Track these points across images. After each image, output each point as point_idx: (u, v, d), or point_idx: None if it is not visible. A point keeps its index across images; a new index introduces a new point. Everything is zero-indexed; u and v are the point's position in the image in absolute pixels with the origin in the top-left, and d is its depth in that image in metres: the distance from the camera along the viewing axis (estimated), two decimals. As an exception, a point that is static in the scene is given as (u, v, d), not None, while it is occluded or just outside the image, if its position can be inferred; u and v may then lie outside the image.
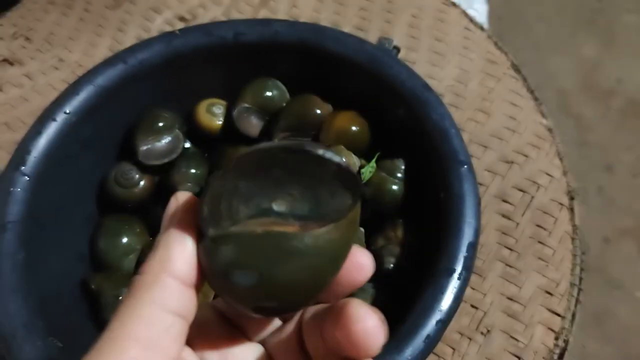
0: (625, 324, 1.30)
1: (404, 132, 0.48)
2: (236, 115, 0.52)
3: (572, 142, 1.53)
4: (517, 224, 0.53)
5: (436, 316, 0.37)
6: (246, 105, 0.52)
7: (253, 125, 0.52)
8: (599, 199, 1.44)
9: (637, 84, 1.61)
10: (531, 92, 0.61)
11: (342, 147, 0.47)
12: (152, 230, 0.53)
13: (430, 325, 0.37)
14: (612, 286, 1.34)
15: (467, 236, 0.40)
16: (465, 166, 0.43)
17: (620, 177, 1.47)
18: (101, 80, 0.49)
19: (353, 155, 0.48)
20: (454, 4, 0.68)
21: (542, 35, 1.71)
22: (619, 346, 1.28)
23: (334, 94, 0.52)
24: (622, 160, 1.50)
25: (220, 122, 0.54)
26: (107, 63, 0.50)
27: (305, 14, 0.68)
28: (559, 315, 0.49)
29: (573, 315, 0.49)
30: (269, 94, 0.52)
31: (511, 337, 0.48)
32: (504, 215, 0.54)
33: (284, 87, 0.53)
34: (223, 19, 0.69)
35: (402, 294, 0.44)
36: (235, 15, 0.69)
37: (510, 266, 0.51)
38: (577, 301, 0.50)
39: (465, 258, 0.39)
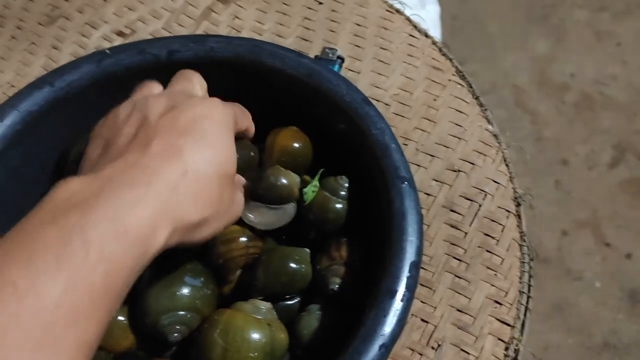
0: (586, 314, 1.33)
1: (346, 148, 0.47)
2: None
3: (528, 138, 1.55)
4: (466, 233, 0.53)
5: (379, 341, 0.36)
6: None
7: None
8: (556, 193, 1.47)
9: (589, 78, 1.65)
10: (476, 97, 0.61)
11: (279, 167, 0.46)
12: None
13: (374, 351, 0.36)
14: (572, 277, 1.37)
15: (409, 255, 0.39)
16: (406, 182, 0.42)
17: (575, 170, 1.50)
18: (26, 105, 0.47)
19: (292, 174, 0.46)
20: (398, 11, 0.67)
21: (496, 32, 1.74)
22: (581, 336, 1.30)
23: (274, 109, 0.50)
24: (577, 154, 1.53)
25: (159, 143, 0.52)
26: (33, 86, 0.47)
27: (248, 25, 0.67)
28: (508, 324, 0.49)
29: (522, 324, 0.49)
30: None
31: (462, 350, 0.48)
32: (452, 225, 0.53)
33: None
34: (163, 32, 0.67)
35: (349, 315, 0.43)
36: (176, 29, 0.67)
37: (459, 277, 0.51)
38: (527, 309, 0.50)
39: (408, 278, 0.38)
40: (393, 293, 0.38)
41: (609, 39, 1.70)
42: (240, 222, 0.45)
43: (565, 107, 1.60)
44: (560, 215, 1.43)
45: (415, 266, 0.39)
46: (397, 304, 0.37)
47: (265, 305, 0.43)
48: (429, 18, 1.13)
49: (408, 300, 0.38)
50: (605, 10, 1.75)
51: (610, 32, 1.71)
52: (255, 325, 0.41)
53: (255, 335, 0.40)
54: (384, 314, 0.37)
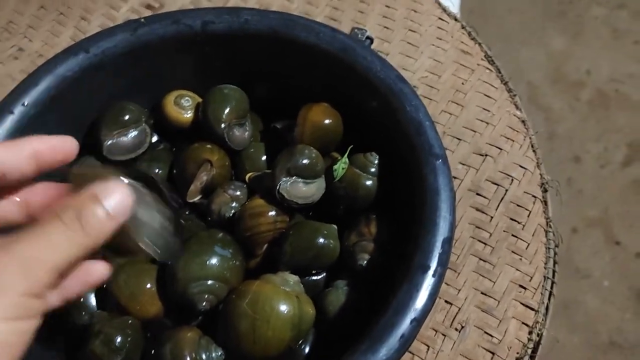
0: (593, 312, 1.32)
1: (377, 125, 0.47)
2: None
3: (541, 134, 1.54)
4: (491, 217, 0.53)
5: (411, 315, 0.36)
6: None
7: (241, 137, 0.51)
8: (567, 190, 1.46)
9: (605, 75, 1.63)
10: (505, 83, 0.61)
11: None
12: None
13: (405, 324, 0.36)
14: (580, 276, 1.36)
15: (442, 231, 0.39)
16: (440, 159, 0.42)
17: (587, 168, 1.50)
18: (62, 70, 0.47)
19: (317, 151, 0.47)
20: (427, -6, 0.67)
21: (513, 27, 1.72)
22: (587, 334, 1.30)
23: (306, 85, 0.50)
24: (590, 151, 1.52)
25: (190, 115, 0.52)
26: (68, 52, 0.47)
27: (276, 2, 0.67)
28: (532, 309, 0.49)
29: (547, 309, 0.49)
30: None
31: (485, 332, 0.48)
32: (477, 209, 0.53)
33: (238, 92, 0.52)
34: (191, 7, 0.67)
35: (376, 291, 0.43)
36: (205, 4, 0.67)
37: (484, 260, 0.51)
38: (551, 294, 0.50)
39: (441, 254, 0.38)
40: (425, 268, 0.38)
41: (627, 37, 1.69)
42: (273, 197, 0.45)
43: (579, 105, 1.59)
44: (570, 212, 1.42)
45: (448, 242, 0.39)
46: (429, 279, 0.38)
47: (293, 278, 0.43)
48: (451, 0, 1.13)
49: (440, 275, 0.38)
50: (624, 8, 1.73)
51: (628, 30, 1.69)
52: (284, 297, 0.41)
53: (284, 307, 0.40)
54: (416, 288, 0.37)
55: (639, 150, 1.50)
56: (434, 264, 0.38)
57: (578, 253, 1.38)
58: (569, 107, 1.59)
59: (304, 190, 0.46)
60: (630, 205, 1.43)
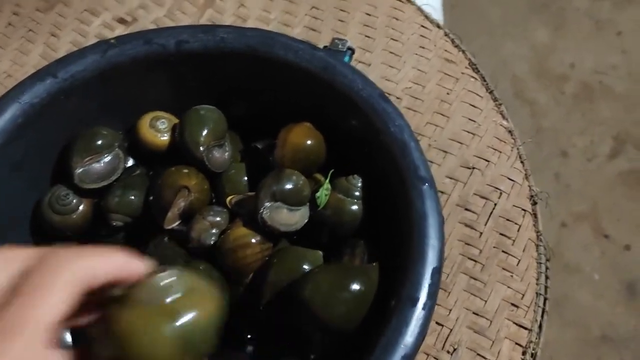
0: (584, 307, 1.32)
1: (360, 145, 0.46)
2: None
3: (528, 129, 1.54)
4: (481, 233, 0.51)
5: (400, 352, 0.35)
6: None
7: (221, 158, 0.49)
8: (555, 185, 1.46)
9: (588, 68, 1.63)
10: (490, 91, 0.59)
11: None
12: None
13: (395, 362, 0.34)
14: (570, 270, 1.36)
15: (431, 261, 0.37)
16: (427, 183, 0.40)
17: (575, 162, 1.49)
18: (28, 97, 0.44)
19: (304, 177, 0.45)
20: (409, 1, 0.65)
21: (496, 21, 1.71)
22: (579, 329, 1.30)
23: (286, 103, 0.48)
24: (576, 145, 1.51)
25: (166, 138, 0.50)
26: (35, 78, 0.45)
27: (254, 13, 0.65)
28: (525, 328, 0.48)
29: (540, 327, 0.48)
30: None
31: (478, 354, 0.46)
32: (466, 225, 0.52)
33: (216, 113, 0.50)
34: (166, 20, 0.64)
35: (364, 320, 0.42)
36: (179, 17, 0.65)
37: (474, 279, 0.50)
38: (544, 311, 0.49)
39: (430, 285, 0.37)
40: (414, 301, 0.36)
41: (609, 28, 1.68)
42: (255, 222, 0.44)
43: (564, 98, 1.59)
44: (558, 207, 1.42)
45: (437, 272, 0.37)
46: (419, 313, 0.36)
47: None
48: (432, 6, 1.12)
49: (430, 308, 0.36)
50: (606, -1, 1.73)
51: (611, 21, 1.69)
52: None
53: None
54: (406, 323, 0.36)
55: (625, 142, 1.50)
56: (423, 296, 0.36)
57: (567, 248, 1.38)
58: (554, 101, 1.58)
59: (287, 217, 0.44)
60: (617, 198, 1.43)
